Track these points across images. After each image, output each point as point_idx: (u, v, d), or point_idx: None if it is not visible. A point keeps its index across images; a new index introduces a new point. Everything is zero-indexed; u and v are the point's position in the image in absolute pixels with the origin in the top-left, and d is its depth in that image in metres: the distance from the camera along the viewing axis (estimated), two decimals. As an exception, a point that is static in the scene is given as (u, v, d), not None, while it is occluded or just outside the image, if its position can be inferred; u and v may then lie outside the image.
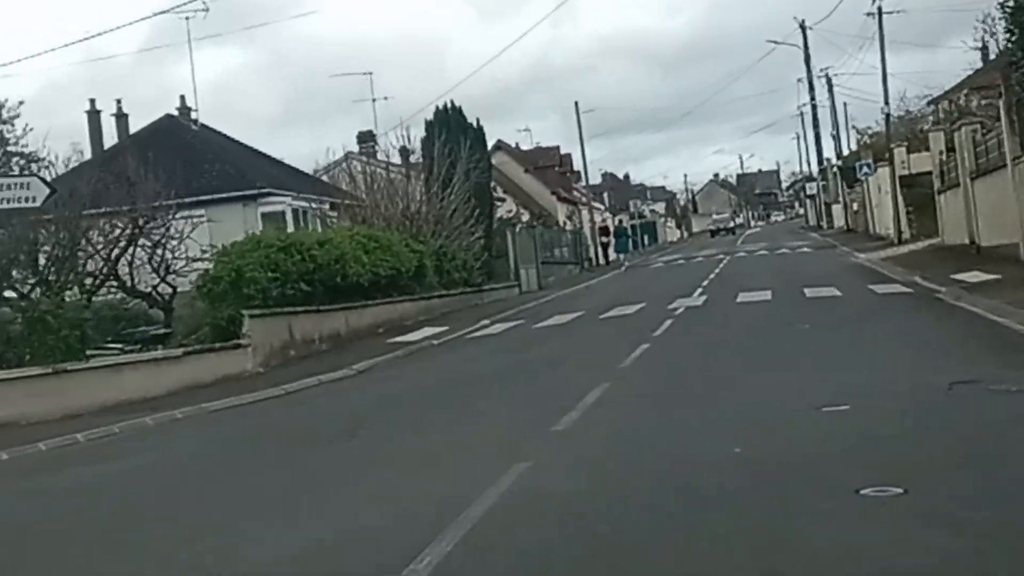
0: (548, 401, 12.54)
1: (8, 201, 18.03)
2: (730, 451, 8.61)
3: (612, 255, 64.70)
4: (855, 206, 58.02)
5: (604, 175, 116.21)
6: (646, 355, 16.05)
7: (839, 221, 67.05)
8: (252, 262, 21.20)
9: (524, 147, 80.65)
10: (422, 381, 17.21)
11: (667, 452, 8.98)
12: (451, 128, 39.51)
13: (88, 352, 19.82)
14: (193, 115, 41.78)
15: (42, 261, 24.67)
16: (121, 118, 41.54)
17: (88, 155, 35.23)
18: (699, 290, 29.17)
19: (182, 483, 10.57)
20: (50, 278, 24.62)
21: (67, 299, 23.79)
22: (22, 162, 19.79)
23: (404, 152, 40.86)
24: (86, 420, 17.05)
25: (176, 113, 41.76)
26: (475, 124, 42.04)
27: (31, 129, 19.57)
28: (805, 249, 48.67)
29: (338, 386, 17.97)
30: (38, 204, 18.57)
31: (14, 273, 24.25)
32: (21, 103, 19.47)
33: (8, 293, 22.67)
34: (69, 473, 12.35)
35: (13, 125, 19.58)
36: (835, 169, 69.05)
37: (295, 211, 36.90)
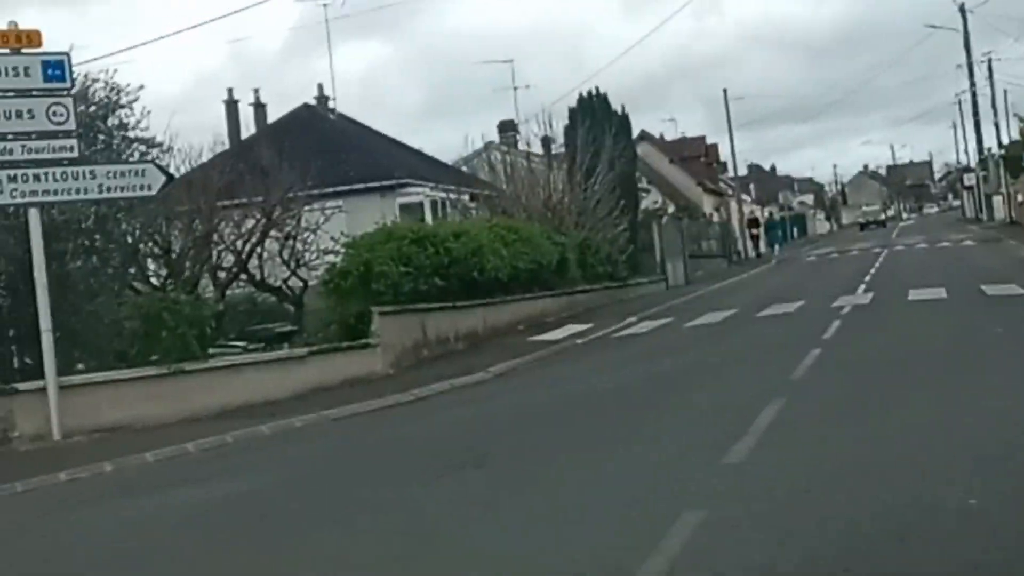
0: (713, 421, 10.73)
1: (123, 189, 16.83)
2: (963, 504, 6.72)
3: (762, 248, 62.27)
4: (1020, 197, 54.73)
5: (750, 166, 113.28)
6: (820, 363, 14.06)
7: (1000, 213, 63.58)
8: (382, 255, 19.74)
9: (668, 137, 78.55)
10: (564, 389, 15.43)
11: (881, 502, 7.03)
12: (595, 116, 37.82)
13: (210, 351, 18.63)
14: (331, 104, 40.91)
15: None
16: (259, 108, 41.00)
17: (227, 146, 34.53)
18: (863, 286, 27.00)
19: (272, 523, 8.88)
20: (181, 270, 23.76)
21: (199, 292, 22.89)
22: (142, 148, 18.52)
23: (546, 141, 39.28)
24: (202, 425, 15.83)
25: (314, 103, 40.90)
26: (620, 112, 40.25)
27: (148, 112, 18.21)
28: (968, 242, 45.78)
29: (472, 392, 16.38)
30: (153, 192, 17.33)
31: (145, 265, 23.41)
32: (141, 87, 18.07)
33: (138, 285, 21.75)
34: (160, 497, 10.91)
35: (132, 109, 18.33)
36: (998, 159, 65.47)
37: (433, 202, 35.80)
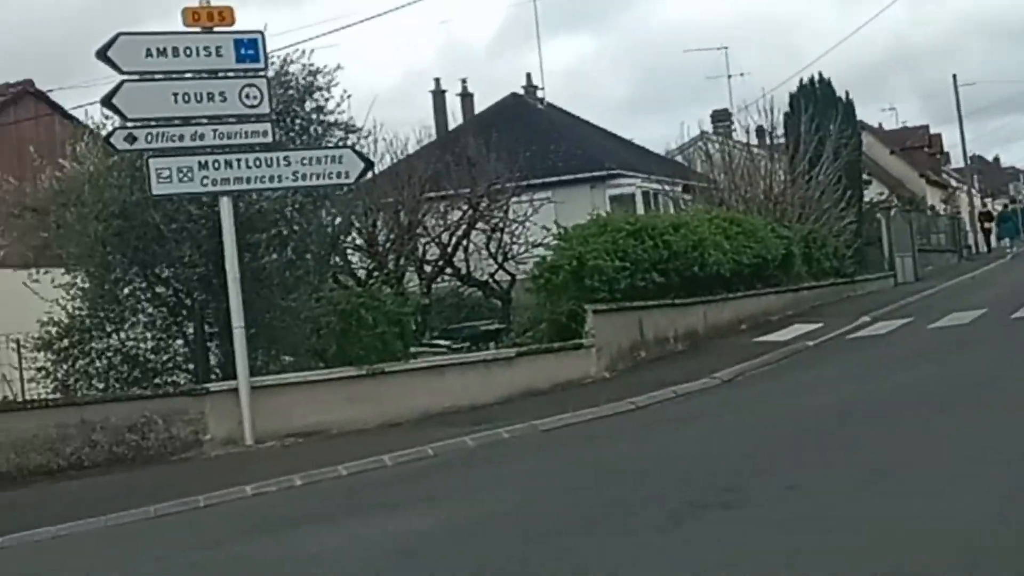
0: (1019, 455, 8.64)
1: (319, 176, 15.63)
2: None
3: (993, 242, 58.49)
4: None
5: (972, 158, 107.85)
6: None
7: None
8: (596, 248, 18.08)
9: (887, 127, 74.87)
10: (809, 403, 13.35)
11: None
12: (818, 102, 35.44)
13: (412, 350, 17.37)
14: (539, 94, 39.60)
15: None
16: (466, 98, 40.02)
17: (433, 137, 33.66)
18: None
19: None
20: (386, 263, 22.81)
21: (405, 286, 21.87)
22: (340, 133, 17.32)
23: (761, 131, 37.16)
24: (401, 433, 14.56)
25: (522, 92, 39.68)
26: (844, 98, 37.76)
27: (348, 95, 17.01)
28: None
29: (699, 401, 14.58)
30: (351, 180, 16.12)
31: (351, 258, 22.52)
32: (339, 67, 16.87)
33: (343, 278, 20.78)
34: (346, 527, 9.39)
35: (330, 92, 17.12)
36: None
37: (645, 193, 34.22)
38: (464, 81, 40.06)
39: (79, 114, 19.80)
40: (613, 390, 15.66)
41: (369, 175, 18.07)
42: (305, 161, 15.51)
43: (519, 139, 29.40)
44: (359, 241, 23.15)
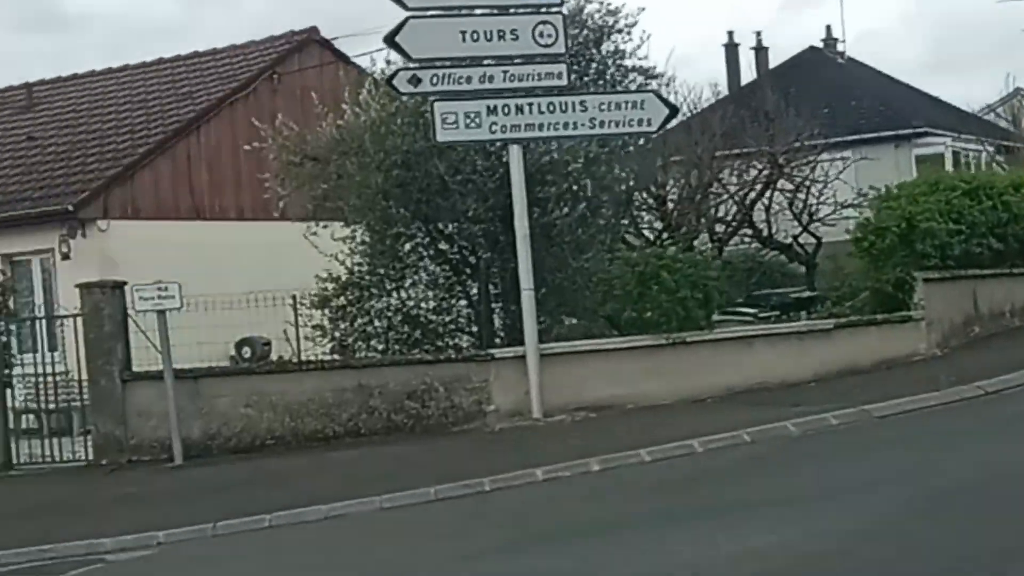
0: None
1: (618, 124, 14.08)
2: None
3: None
4: None
5: None
6: None
7: None
8: (928, 209, 15.85)
9: None
10: None
11: None
12: None
13: (714, 318, 15.67)
14: (839, 47, 37.08)
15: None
16: (760, 51, 37.83)
17: (725, 93, 31.83)
18: None
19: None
20: (680, 223, 21.19)
21: (696, 248, 20.23)
22: (640, 78, 15.72)
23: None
24: (707, 412, 13.00)
25: (820, 45, 37.25)
26: None
27: (648, 36, 15.42)
28: None
29: (1065, 389, 12.28)
30: (653, 128, 14.53)
31: (642, 216, 21.00)
32: (642, 10, 15.28)
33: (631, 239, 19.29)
34: (652, 547, 7.47)
35: (630, 34, 15.58)
36: None
37: (955, 153, 31.47)
38: (759, 34, 37.86)
39: (363, 62, 18.95)
40: (950, 371, 13.50)
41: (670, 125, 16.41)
42: (603, 106, 14.03)
43: (818, 94, 27.79)
44: (650, 200, 21.58)
